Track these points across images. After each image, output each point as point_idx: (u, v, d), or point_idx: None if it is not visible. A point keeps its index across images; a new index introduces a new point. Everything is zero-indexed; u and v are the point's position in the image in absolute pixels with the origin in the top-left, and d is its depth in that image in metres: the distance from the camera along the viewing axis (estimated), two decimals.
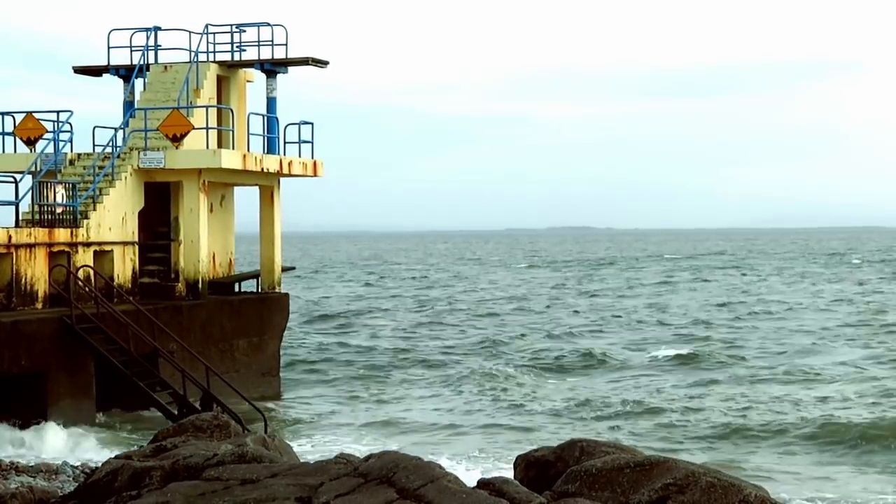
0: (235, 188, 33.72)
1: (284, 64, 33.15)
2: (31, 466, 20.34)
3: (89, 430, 25.41)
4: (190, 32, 32.99)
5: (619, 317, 57.19)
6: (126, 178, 29.89)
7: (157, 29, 33.03)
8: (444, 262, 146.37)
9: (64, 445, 24.02)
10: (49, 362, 25.35)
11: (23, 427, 24.76)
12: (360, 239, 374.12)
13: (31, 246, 26.91)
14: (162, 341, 26.92)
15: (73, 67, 33.93)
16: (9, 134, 31.14)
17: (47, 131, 30.95)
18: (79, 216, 28.56)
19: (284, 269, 35.50)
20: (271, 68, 33.17)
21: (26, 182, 28.91)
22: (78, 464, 21.18)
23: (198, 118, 31.18)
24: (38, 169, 30.00)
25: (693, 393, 32.20)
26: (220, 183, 32.37)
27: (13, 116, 31.13)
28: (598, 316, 57.83)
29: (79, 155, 30.99)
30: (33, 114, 31.04)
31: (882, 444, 25.07)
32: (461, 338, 47.51)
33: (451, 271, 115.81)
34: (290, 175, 33.20)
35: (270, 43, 32.93)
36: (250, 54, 33.30)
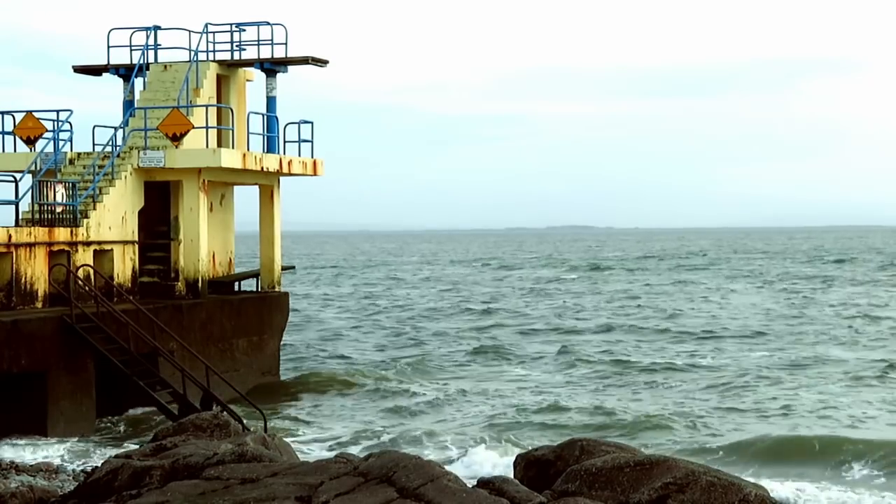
0: (235, 187, 33.72)
1: (284, 63, 33.16)
2: (31, 466, 20.33)
3: (89, 430, 25.40)
4: (190, 32, 33.04)
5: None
6: (126, 177, 29.89)
7: (156, 28, 33.04)
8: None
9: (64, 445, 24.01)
10: (49, 362, 25.32)
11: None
12: (352, 239, 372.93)
13: (30, 245, 26.90)
14: (162, 340, 26.92)
15: (73, 67, 33.94)
16: (9, 133, 31.14)
17: (47, 130, 30.96)
18: (79, 215, 28.56)
19: (284, 269, 35.50)
20: (271, 67, 33.17)
21: (26, 181, 28.96)
22: (78, 463, 21.18)
23: (197, 117, 31.18)
24: (38, 168, 30.00)
25: None
26: (220, 182, 32.37)
27: (13, 116, 31.14)
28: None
29: (79, 154, 30.99)
30: (33, 113, 31.05)
31: None
32: (457, 337, 47.52)
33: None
34: (289, 174, 33.20)
35: (270, 42, 32.96)
36: (250, 53, 33.35)
